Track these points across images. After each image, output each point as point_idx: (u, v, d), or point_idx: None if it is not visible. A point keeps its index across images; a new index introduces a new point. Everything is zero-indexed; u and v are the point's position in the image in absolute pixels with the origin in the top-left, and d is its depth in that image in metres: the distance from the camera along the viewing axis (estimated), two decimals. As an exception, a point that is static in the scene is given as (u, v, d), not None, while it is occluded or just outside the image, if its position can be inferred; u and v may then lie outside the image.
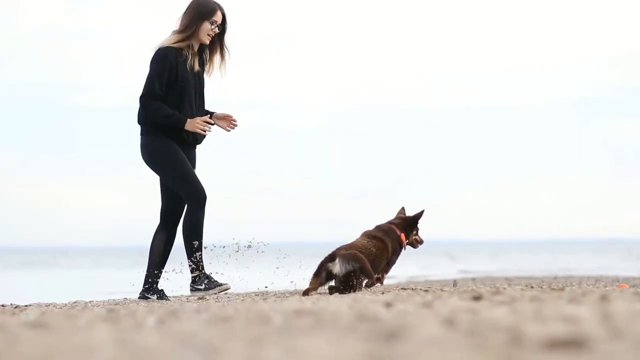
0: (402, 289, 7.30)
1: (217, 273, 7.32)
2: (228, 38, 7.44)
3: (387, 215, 7.21)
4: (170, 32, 7.33)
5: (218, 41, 7.40)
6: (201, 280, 7.22)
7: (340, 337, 2.73)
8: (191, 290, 7.27)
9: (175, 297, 7.73)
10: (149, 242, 7.47)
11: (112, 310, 4.72)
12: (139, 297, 7.36)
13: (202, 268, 7.24)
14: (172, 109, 7.23)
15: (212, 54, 7.43)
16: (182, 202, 7.40)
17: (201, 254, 7.28)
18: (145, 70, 7.30)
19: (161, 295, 7.33)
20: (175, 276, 7.45)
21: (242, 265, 7.42)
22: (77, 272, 31.11)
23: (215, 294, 7.23)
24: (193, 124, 7.32)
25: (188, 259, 7.28)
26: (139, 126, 7.39)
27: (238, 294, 7.54)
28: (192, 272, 7.25)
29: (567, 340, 2.47)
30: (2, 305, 7.01)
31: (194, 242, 7.24)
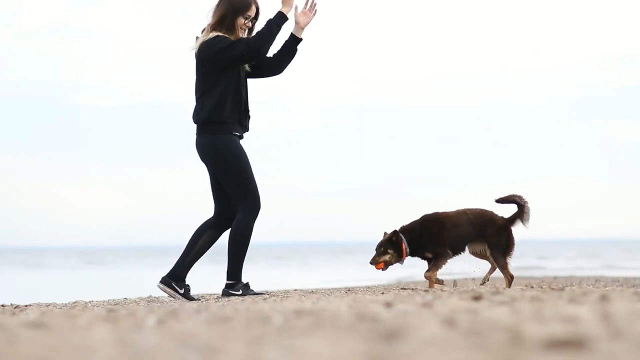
0: (402, 289, 7.31)
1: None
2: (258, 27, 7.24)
3: (386, 214, 7.25)
4: (205, 26, 7.14)
5: (248, 32, 7.23)
6: (238, 287, 7.12)
7: (340, 337, 2.73)
8: (226, 295, 7.11)
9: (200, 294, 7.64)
10: (148, 242, 7.51)
11: (112, 310, 4.71)
12: (163, 283, 7.12)
13: (241, 276, 7.15)
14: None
15: None
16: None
17: (242, 262, 7.18)
18: (145, 71, 7.24)
19: (187, 290, 7.14)
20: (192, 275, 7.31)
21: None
22: (78, 272, 31.11)
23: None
24: (291, 11, 7.13)
25: (230, 264, 7.14)
26: (195, 125, 7.17)
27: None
28: (230, 278, 7.14)
29: (567, 340, 2.47)
30: (2, 305, 7.02)
31: (240, 250, 7.11)
